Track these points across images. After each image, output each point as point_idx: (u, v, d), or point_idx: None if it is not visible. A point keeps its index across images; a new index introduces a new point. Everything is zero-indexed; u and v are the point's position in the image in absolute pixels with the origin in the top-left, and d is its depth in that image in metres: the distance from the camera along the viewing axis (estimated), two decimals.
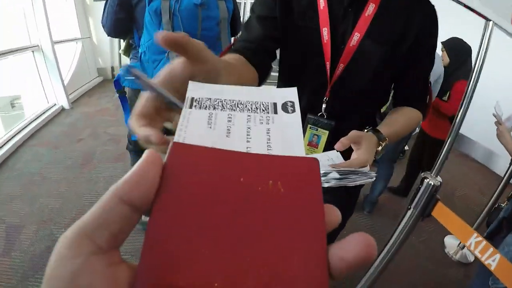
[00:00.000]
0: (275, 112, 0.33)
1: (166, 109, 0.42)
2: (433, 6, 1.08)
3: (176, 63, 0.42)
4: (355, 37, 1.04)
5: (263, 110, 0.34)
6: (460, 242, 2.83)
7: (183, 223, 0.23)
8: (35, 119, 4.51)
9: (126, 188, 0.23)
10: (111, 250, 0.22)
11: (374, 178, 0.94)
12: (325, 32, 1.05)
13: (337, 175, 0.88)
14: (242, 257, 0.22)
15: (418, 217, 1.33)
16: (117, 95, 2.02)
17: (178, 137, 0.29)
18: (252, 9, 1.13)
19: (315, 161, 0.28)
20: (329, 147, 1.15)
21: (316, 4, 1.06)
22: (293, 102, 0.34)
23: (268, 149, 0.29)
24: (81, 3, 6.65)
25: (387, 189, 3.36)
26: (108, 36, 2.06)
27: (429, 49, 1.14)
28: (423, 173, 1.20)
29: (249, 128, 0.32)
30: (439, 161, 1.18)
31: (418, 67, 1.15)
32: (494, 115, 2.06)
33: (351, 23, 1.05)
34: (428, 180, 1.19)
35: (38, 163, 3.45)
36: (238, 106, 0.34)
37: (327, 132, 1.18)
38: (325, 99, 1.15)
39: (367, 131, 1.01)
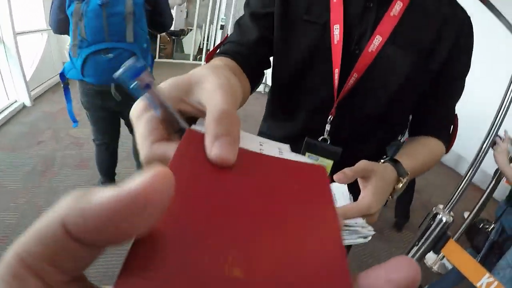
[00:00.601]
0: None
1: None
2: (469, 18, 0.89)
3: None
4: (376, 41, 0.83)
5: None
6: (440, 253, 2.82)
7: (197, 204, 0.22)
8: None
9: (78, 221, 0.16)
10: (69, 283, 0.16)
11: (370, 238, 0.70)
12: (337, 31, 0.84)
13: None
14: (257, 240, 0.22)
15: (424, 254, 1.17)
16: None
17: (194, 127, 0.29)
18: (246, 3, 0.96)
19: (323, 168, 0.29)
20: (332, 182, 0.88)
21: None
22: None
23: (279, 153, 0.31)
24: None
25: None
26: (54, 33, 2.26)
27: (461, 71, 0.94)
28: (434, 208, 1.01)
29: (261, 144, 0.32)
30: (454, 197, 1.00)
31: (447, 89, 0.95)
32: (499, 136, 2.06)
33: (371, 23, 0.84)
34: (440, 215, 1.01)
35: None
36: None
37: (331, 162, 0.90)
38: (330, 119, 0.91)
39: (384, 162, 0.79)
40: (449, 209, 1.06)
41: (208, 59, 0.91)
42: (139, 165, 3.00)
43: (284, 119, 1.03)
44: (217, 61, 0.81)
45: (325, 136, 0.93)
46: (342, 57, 0.84)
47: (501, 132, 2.02)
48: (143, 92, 0.29)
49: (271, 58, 0.97)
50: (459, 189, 1.02)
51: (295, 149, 0.90)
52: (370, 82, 0.87)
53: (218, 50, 0.93)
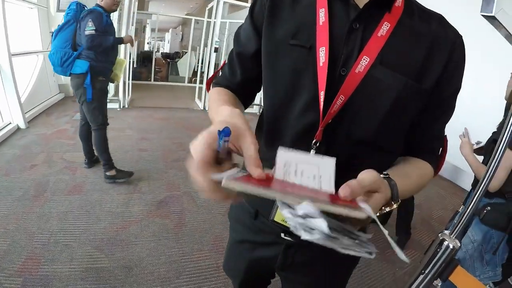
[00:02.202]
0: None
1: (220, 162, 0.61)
2: (461, 37, 0.87)
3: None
4: (363, 62, 0.80)
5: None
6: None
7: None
8: None
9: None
10: None
11: (374, 256, 0.59)
12: (322, 53, 0.82)
13: (325, 228, 0.52)
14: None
15: (431, 281, 1.16)
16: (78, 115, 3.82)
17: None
18: (235, 38, 1.04)
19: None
20: None
21: (314, 18, 0.85)
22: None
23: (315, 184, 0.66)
24: (45, 13, 6.40)
25: None
26: None
27: (453, 91, 0.90)
28: (440, 234, 1.02)
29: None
30: (460, 224, 1.01)
31: (438, 110, 0.92)
32: (462, 133, 2.30)
33: (358, 44, 0.82)
34: (447, 242, 1.01)
35: None
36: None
37: None
38: (315, 143, 0.86)
39: (384, 178, 0.73)
40: (455, 234, 1.04)
41: (208, 85, 1.13)
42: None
43: (271, 144, 0.99)
44: (223, 95, 0.99)
45: None
46: (327, 79, 0.81)
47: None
48: (223, 141, 0.55)
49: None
50: (465, 215, 1.02)
51: None
52: (358, 105, 0.83)
53: (215, 79, 1.10)
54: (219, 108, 0.79)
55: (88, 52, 3.31)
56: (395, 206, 0.72)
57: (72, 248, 2.57)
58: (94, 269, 2.39)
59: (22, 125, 4.96)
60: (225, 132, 0.54)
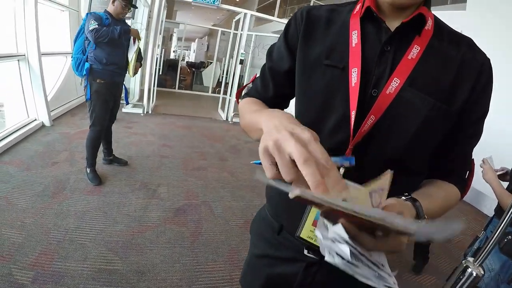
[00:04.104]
0: None
1: None
2: (489, 60, 0.88)
3: None
4: (394, 84, 0.82)
5: None
6: None
7: None
8: (12, 133, 4.29)
9: None
10: None
11: None
12: (355, 74, 0.85)
13: (347, 254, 0.59)
14: None
15: None
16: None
17: None
18: (268, 53, 1.08)
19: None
20: None
21: (347, 40, 0.89)
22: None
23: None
24: (75, 16, 6.54)
25: None
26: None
27: (481, 114, 0.92)
28: (464, 261, 0.98)
29: None
30: (484, 252, 0.97)
31: (464, 134, 0.92)
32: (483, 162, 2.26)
33: (389, 65, 0.84)
34: (470, 269, 0.98)
35: (5, 185, 3.21)
36: None
37: None
38: None
39: (405, 200, 0.77)
40: (479, 262, 1.00)
41: (237, 96, 1.15)
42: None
43: None
44: (258, 103, 1.03)
45: None
46: (359, 100, 0.84)
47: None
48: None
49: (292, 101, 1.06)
50: (490, 243, 0.98)
51: None
52: (388, 125, 0.85)
53: (245, 91, 1.14)
54: (261, 110, 0.84)
55: (90, 55, 3.55)
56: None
57: (87, 248, 2.55)
58: (107, 271, 2.36)
59: (47, 123, 5.04)
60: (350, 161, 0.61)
